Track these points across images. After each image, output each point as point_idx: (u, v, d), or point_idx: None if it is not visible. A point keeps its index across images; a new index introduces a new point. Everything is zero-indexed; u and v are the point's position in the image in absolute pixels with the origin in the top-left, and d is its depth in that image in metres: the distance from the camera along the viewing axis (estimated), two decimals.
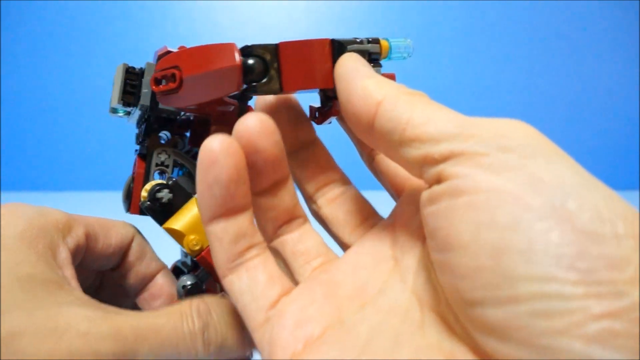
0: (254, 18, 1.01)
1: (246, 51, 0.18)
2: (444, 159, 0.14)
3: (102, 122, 1.00)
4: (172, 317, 0.19)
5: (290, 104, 0.20)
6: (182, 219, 0.22)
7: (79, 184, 1.01)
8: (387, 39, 0.18)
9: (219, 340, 0.20)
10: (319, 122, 0.20)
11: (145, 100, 0.23)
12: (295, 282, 0.19)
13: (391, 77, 0.18)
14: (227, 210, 0.16)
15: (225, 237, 0.16)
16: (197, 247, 0.22)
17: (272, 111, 0.19)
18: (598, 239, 0.11)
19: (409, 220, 0.18)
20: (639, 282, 0.11)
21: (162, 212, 0.22)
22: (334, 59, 0.17)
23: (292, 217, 0.19)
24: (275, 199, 0.18)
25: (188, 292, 0.23)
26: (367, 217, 0.20)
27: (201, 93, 0.18)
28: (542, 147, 0.13)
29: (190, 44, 0.19)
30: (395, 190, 0.20)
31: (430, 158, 0.14)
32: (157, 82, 0.19)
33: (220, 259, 0.16)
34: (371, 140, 0.16)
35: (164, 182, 0.23)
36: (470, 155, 0.13)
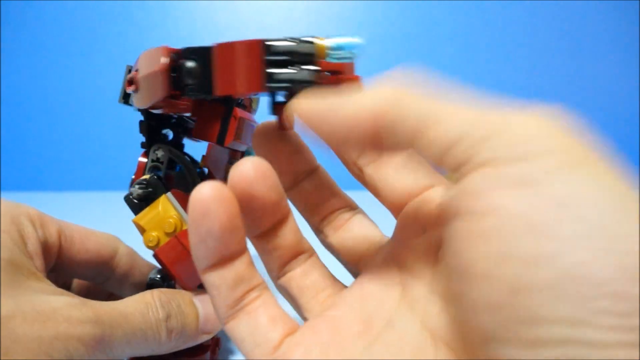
0: (254, 18, 1.01)
1: (186, 54, 0.18)
2: (461, 165, 0.12)
3: (102, 122, 1.00)
4: (138, 306, 0.20)
5: (287, 136, 0.19)
6: (148, 215, 0.23)
7: (79, 184, 1.00)
8: (328, 37, 0.17)
9: (179, 328, 0.21)
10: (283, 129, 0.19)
11: (133, 100, 0.24)
12: (304, 319, 0.18)
13: (355, 79, 0.17)
14: (223, 260, 0.15)
15: (223, 285, 0.15)
16: (152, 244, 0.23)
17: (270, 146, 0.19)
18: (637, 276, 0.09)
19: (414, 241, 0.17)
20: None
21: (137, 205, 0.23)
22: (264, 61, 0.16)
23: (297, 253, 0.18)
24: (278, 239, 0.17)
25: (149, 287, 0.24)
26: (375, 242, 0.19)
27: (148, 95, 0.19)
28: (572, 155, 0.11)
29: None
30: (392, 207, 0.19)
31: (448, 164, 0.13)
32: (129, 82, 0.20)
33: (220, 306, 0.16)
34: (378, 152, 0.15)
35: (148, 177, 0.24)
36: (487, 162, 0.12)
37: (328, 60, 0.16)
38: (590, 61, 1.04)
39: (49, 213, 0.23)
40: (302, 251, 0.18)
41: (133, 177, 0.25)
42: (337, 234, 0.20)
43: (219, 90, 0.17)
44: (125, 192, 0.24)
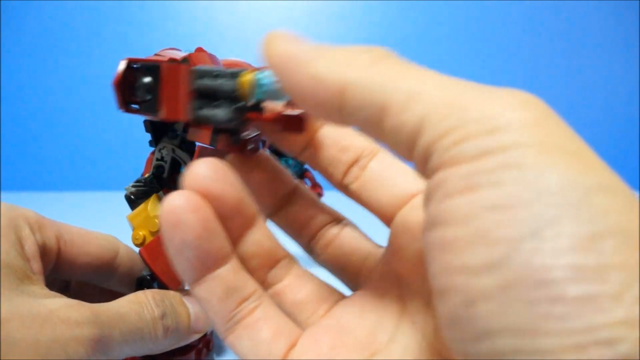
0: (254, 18, 1.01)
1: (142, 68, 0.17)
2: (426, 158, 0.11)
3: (102, 122, 1.00)
4: (133, 306, 0.20)
5: (261, 162, 0.18)
6: (139, 213, 0.24)
7: (79, 184, 1.00)
8: (257, 73, 0.15)
9: (174, 326, 0.21)
10: (240, 151, 0.18)
11: None
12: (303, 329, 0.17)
13: (302, 116, 0.16)
14: (207, 269, 0.14)
15: (213, 297, 0.14)
16: (137, 242, 0.23)
17: (245, 176, 0.18)
18: (577, 275, 0.09)
19: (408, 252, 0.16)
20: (638, 322, 0.08)
21: (133, 203, 0.24)
22: (192, 88, 0.15)
23: (277, 260, 0.17)
24: (252, 246, 0.16)
25: (138, 282, 0.25)
26: (369, 254, 0.19)
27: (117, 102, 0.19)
28: (537, 147, 0.10)
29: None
30: (383, 218, 0.18)
31: (414, 156, 0.12)
32: None
33: (215, 320, 0.15)
34: (349, 126, 0.13)
35: (146, 176, 0.25)
36: (447, 159, 0.11)
37: (255, 97, 0.15)
38: (590, 61, 1.04)
39: (48, 213, 0.23)
40: (282, 257, 0.17)
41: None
42: (328, 252, 0.19)
43: (163, 113, 0.16)
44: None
